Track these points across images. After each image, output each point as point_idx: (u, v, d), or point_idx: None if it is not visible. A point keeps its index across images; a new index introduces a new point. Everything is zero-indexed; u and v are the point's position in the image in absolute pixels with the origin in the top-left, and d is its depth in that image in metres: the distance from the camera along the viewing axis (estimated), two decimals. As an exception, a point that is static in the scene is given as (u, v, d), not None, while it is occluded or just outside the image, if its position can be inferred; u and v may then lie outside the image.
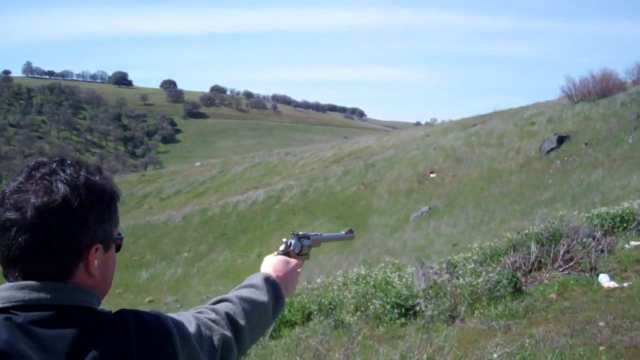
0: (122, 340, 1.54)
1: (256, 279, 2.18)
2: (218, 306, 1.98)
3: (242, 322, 1.95)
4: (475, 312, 8.34)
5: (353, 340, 6.36)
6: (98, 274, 1.61)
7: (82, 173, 1.58)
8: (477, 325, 7.81)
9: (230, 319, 1.93)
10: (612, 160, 24.28)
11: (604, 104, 32.27)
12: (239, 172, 52.95)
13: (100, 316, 1.57)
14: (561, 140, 28.25)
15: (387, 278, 10.41)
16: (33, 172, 1.55)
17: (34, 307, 1.48)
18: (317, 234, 2.65)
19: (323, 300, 10.20)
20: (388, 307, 8.99)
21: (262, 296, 2.09)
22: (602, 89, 34.96)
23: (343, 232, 2.91)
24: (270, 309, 2.11)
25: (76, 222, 1.53)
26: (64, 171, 1.56)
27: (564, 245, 9.59)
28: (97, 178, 1.62)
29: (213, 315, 1.91)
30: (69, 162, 1.61)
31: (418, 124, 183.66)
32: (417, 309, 8.87)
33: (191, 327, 1.77)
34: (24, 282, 1.51)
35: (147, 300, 24.59)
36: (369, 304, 9.35)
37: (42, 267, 1.52)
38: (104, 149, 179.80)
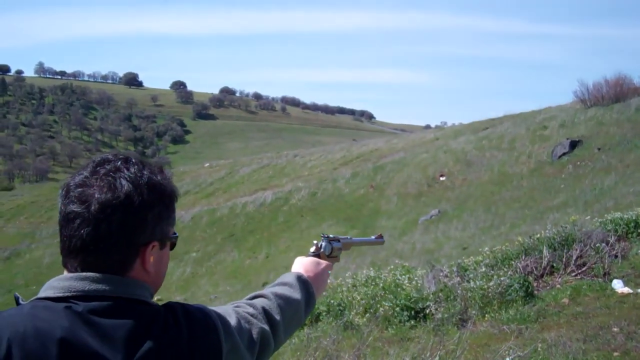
0: (174, 331, 1.61)
1: (289, 277, 2.24)
2: (255, 301, 2.04)
3: (277, 317, 2.00)
4: (486, 315, 8.25)
5: (364, 342, 6.29)
6: (153, 271, 1.68)
7: (145, 172, 1.65)
8: (488, 329, 7.73)
9: (266, 313, 1.98)
10: (625, 166, 24.09)
11: (617, 109, 32.04)
12: (248, 174, 52.99)
13: (153, 308, 1.63)
14: (574, 144, 27.99)
15: (397, 280, 10.34)
16: (98, 168, 1.62)
17: (92, 298, 1.55)
18: (347, 238, 2.65)
19: (332, 301, 10.13)
20: (397, 309, 8.92)
21: (295, 294, 2.15)
22: (615, 94, 34.59)
23: (373, 237, 2.89)
24: (302, 307, 2.17)
25: (136, 219, 1.59)
26: (127, 169, 1.63)
27: (576, 250, 9.49)
28: (159, 178, 1.69)
29: (251, 310, 1.96)
30: (133, 160, 1.68)
31: (428, 127, 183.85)
32: (427, 311, 8.79)
33: (232, 321, 1.82)
34: (84, 274, 1.57)
35: (156, 298, 24.44)
36: (378, 305, 9.28)
37: (101, 260, 1.58)
38: (114, 149, 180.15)
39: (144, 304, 1.61)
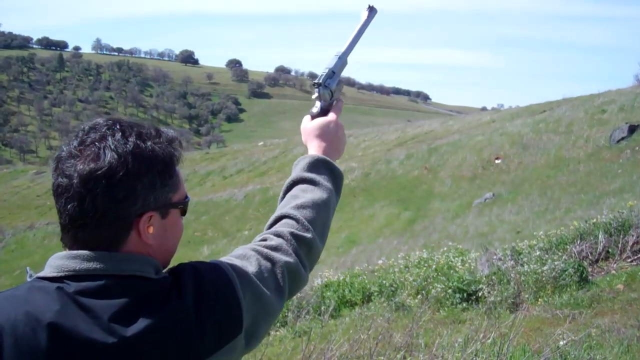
0: (176, 302, 1.51)
1: (306, 168, 2.06)
2: (280, 230, 1.90)
3: (308, 235, 1.89)
4: (539, 300, 8.21)
5: (416, 322, 6.33)
6: (154, 242, 1.58)
7: (130, 139, 1.52)
8: (541, 314, 7.69)
9: (295, 237, 1.87)
10: (684, 152, 23.61)
11: (679, 93, 31.33)
12: (301, 153, 52.75)
13: (154, 282, 1.54)
14: (632, 129, 27.33)
15: (450, 262, 10.33)
16: (85, 137, 1.52)
17: (84, 277, 1.47)
18: (336, 55, 2.17)
19: (384, 282, 10.17)
20: (450, 291, 8.92)
21: (319, 191, 2.00)
22: (677, 78, 33.85)
23: (362, 20, 2.27)
24: (332, 197, 2.03)
25: (123, 191, 1.48)
26: (113, 136, 1.51)
27: (633, 235, 9.35)
28: (149, 144, 1.54)
29: (274, 242, 1.85)
30: (119, 126, 1.55)
31: (484, 109, 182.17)
32: (480, 294, 8.78)
33: (251, 268, 1.72)
34: (76, 252, 1.50)
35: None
36: (430, 287, 9.29)
37: (91, 235, 1.50)
38: (169, 126, 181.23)
39: (141, 279, 1.52)
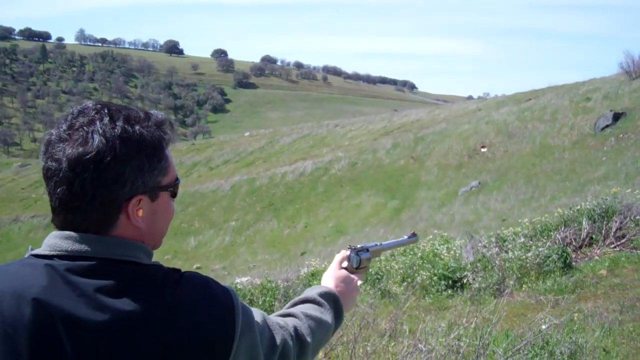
0: (170, 291, 1.52)
1: (319, 294, 2.13)
2: (286, 319, 1.94)
3: (308, 338, 1.91)
4: (524, 286, 8.29)
5: (401, 308, 6.37)
6: (144, 225, 1.58)
7: (118, 123, 1.52)
8: (525, 299, 7.77)
9: (297, 333, 1.89)
10: (668, 139, 23.73)
11: (663, 81, 31.46)
12: (288, 143, 53.11)
13: (145, 268, 1.55)
14: (617, 117, 27.49)
15: (435, 250, 10.38)
16: (73, 121, 1.52)
17: (76, 258, 1.48)
18: (376, 244, 2.50)
19: (370, 269, 10.20)
20: (435, 278, 8.98)
21: (326, 314, 2.06)
22: (661, 66, 33.93)
23: (405, 237, 2.70)
24: (332, 328, 2.08)
25: (111, 176, 1.48)
26: (101, 120, 1.51)
27: (616, 222, 9.44)
28: (137, 127, 1.54)
29: (281, 322, 1.87)
30: (107, 110, 1.55)
31: (470, 97, 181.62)
32: (465, 281, 8.84)
33: (257, 317, 1.72)
34: (69, 233, 1.51)
35: (195, 267, 24.91)
36: (416, 275, 9.33)
37: (81, 218, 1.51)
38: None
39: (132, 264, 1.53)
